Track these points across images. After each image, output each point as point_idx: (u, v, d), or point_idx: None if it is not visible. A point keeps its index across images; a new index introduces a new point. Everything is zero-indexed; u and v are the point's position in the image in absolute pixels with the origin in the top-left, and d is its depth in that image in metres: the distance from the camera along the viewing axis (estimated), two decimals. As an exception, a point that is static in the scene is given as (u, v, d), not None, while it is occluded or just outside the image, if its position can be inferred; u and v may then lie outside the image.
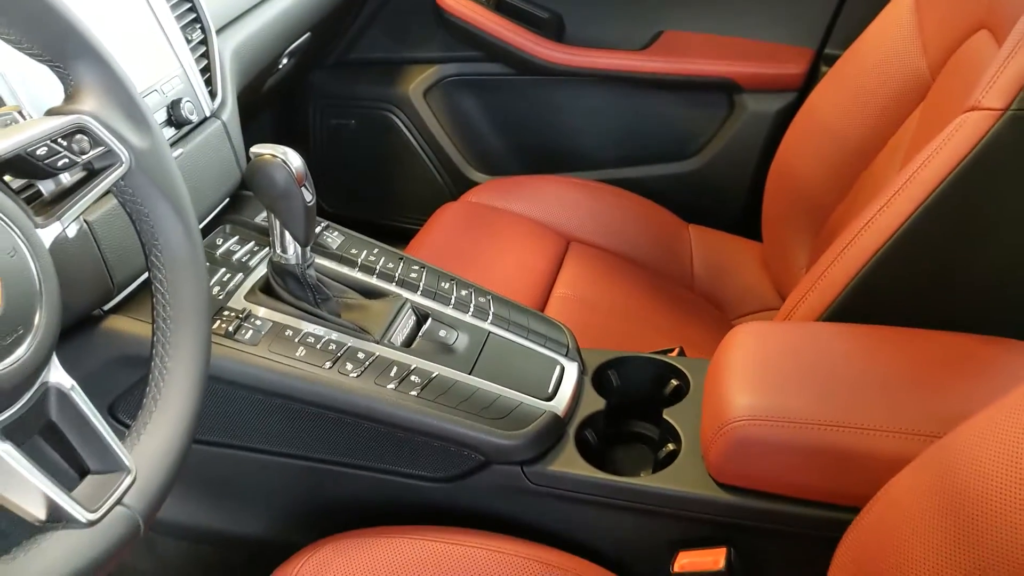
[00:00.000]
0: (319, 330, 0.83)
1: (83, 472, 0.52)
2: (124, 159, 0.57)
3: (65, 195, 0.53)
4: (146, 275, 0.70)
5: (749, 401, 0.74)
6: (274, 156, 0.77)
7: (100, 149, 0.55)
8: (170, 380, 0.59)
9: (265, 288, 0.87)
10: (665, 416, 0.87)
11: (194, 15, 0.95)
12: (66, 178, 0.55)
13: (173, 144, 0.85)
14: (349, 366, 0.81)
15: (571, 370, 0.91)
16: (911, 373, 0.77)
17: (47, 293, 0.49)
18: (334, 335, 0.83)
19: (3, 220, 0.48)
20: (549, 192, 1.43)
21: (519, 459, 0.81)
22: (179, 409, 0.59)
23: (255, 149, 0.79)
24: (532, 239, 1.30)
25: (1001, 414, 0.51)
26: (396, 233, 1.61)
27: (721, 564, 0.77)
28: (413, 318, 0.90)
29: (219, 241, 0.92)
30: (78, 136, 0.54)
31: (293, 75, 1.51)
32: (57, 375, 0.50)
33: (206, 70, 0.95)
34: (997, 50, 0.82)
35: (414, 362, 0.84)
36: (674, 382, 0.92)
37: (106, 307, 0.79)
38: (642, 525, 0.81)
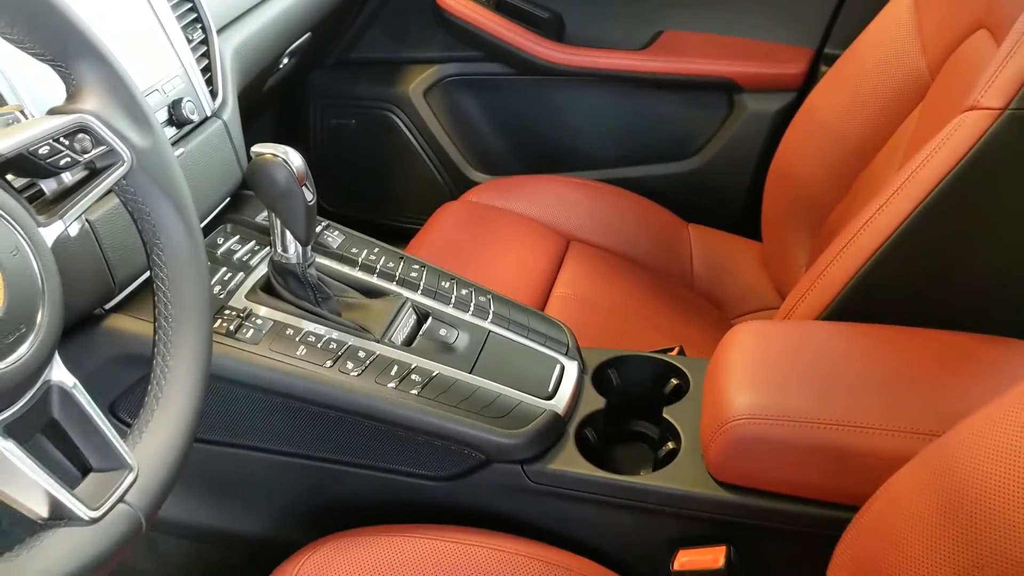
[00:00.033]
0: (320, 329, 0.84)
1: (85, 470, 0.52)
2: (126, 158, 0.57)
3: (67, 194, 0.54)
4: (147, 274, 0.70)
5: (749, 400, 0.75)
6: (275, 155, 0.77)
7: (102, 148, 0.55)
8: (172, 379, 0.59)
9: (266, 287, 0.87)
10: (665, 415, 0.87)
11: (195, 15, 0.95)
12: (68, 177, 0.55)
13: (174, 144, 0.85)
14: (350, 365, 0.81)
15: (571, 369, 0.91)
16: (910, 372, 0.77)
17: (49, 292, 0.49)
18: (335, 334, 0.84)
19: (6, 219, 0.48)
20: (549, 192, 1.43)
21: (519, 458, 0.81)
22: (181, 407, 0.59)
23: (256, 148, 0.79)
24: (532, 238, 1.30)
25: (1000, 412, 0.51)
26: (396, 233, 1.61)
27: (721, 562, 0.77)
28: (413, 317, 0.91)
29: (220, 240, 0.92)
30: (80, 135, 0.54)
31: (294, 75, 1.51)
32: (59, 373, 0.50)
33: (207, 70, 0.95)
34: (996, 50, 0.82)
35: (415, 361, 0.84)
36: (674, 381, 0.92)
37: (107, 306, 0.79)
38: (642, 523, 0.82)
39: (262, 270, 0.89)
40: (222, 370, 0.79)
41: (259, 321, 0.83)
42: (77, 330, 0.77)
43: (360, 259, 0.95)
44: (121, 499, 0.52)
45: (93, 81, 0.56)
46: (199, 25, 0.96)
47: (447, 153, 1.76)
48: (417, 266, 0.97)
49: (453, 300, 0.94)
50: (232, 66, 1.03)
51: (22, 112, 0.61)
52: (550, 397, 0.86)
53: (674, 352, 0.97)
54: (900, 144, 1.06)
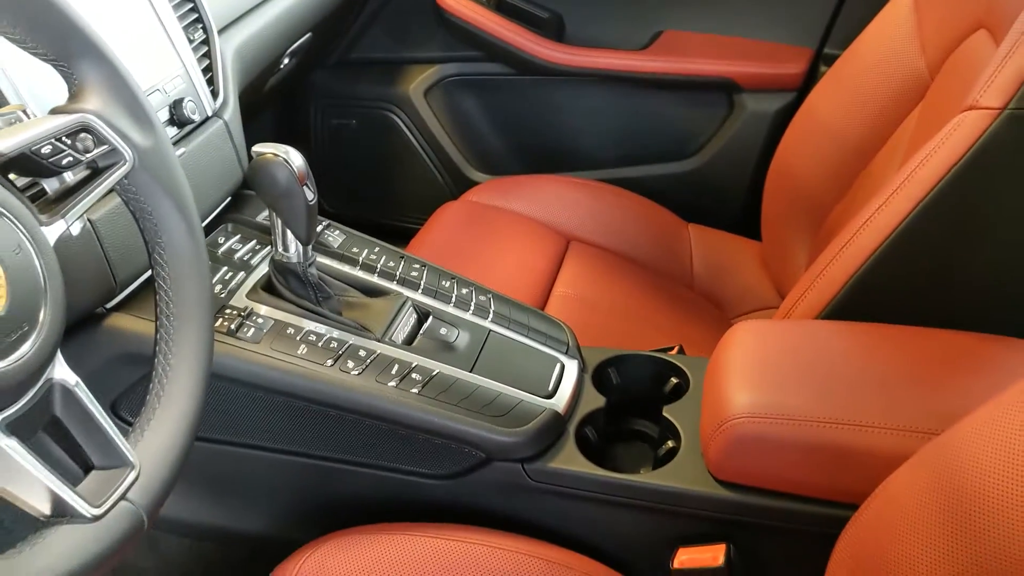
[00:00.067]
0: (321, 328, 0.84)
1: (87, 468, 0.52)
2: (128, 157, 0.57)
3: (69, 193, 0.54)
4: (149, 273, 0.71)
5: (748, 399, 0.75)
6: (276, 155, 0.78)
7: (104, 148, 0.56)
8: (173, 377, 0.60)
9: (267, 286, 0.87)
10: (665, 414, 0.87)
11: (196, 15, 0.95)
12: (70, 176, 0.55)
13: (175, 143, 0.85)
14: (350, 364, 0.81)
15: (571, 368, 0.91)
16: (909, 370, 0.77)
17: (52, 290, 0.49)
18: (335, 333, 0.84)
19: (8, 218, 0.48)
20: (549, 191, 1.43)
21: (520, 456, 0.81)
22: (182, 406, 0.59)
23: (257, 148, 0.79)
24: (532, 238, 1.30)
25: (999, 411, 0.51)
26: (397, 232, 1.61)
27: (720, 560, 0.77)
28: (414, 316, 0.91)
29: (221, 240, 0.92)
30: (82, 135, 0.54)
31: (294, 75, 1.51)
32: (61, 372, 0.50)
33: (208, 70, 0.95)
34: (995, 50, 0.82)
35: (415, 360, 0.84)
36: (674, 380, 0.92)
37: (109, 305, 0.79)
38: (642, 522, 0.82)
39: (263, 269, 0.89)
40: (223, 369, 0.79)
41: (260, 320, 0.83)
42: (79, 329, 0.77)
43: (361, 258, 0.95)
44: (123, 497, 0.52)
45: (95, 81, 0.57)
46: (200, 25, 0.96)
47: (447, 153, 1.76)
48: (418, 265, 0.97)
49: (454, 299, 0.94)
50: (233, 66, 1.03)
51: (24, 112, 0.61)
52: (550, 396, 0.86)
53: (674, 351, 0.98)
54: (900, 144, 1.07)
